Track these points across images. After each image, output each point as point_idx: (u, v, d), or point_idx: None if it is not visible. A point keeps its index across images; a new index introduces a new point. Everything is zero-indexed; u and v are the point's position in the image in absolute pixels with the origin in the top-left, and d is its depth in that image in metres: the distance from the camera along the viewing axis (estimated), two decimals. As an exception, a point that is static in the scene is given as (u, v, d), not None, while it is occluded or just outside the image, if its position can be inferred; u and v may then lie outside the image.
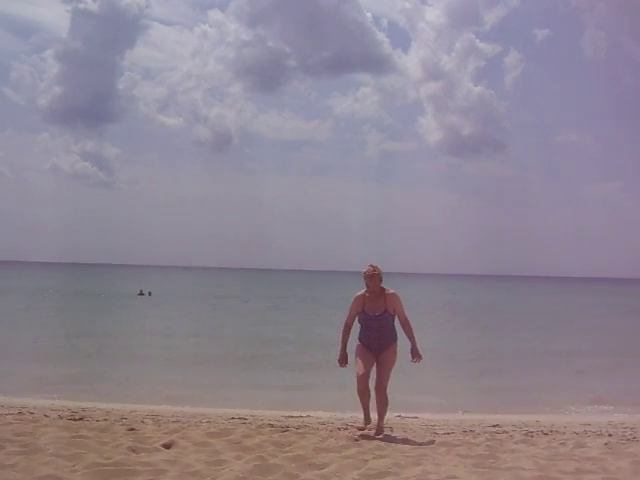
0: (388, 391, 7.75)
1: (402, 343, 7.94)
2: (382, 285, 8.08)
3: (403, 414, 9.86)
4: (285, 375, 15.68)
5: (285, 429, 7.73)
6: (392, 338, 7.98)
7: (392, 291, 8.03)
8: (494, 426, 8.56)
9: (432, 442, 7.10)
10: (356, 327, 8.07)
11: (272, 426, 7.95)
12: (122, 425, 7.58)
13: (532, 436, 7.74)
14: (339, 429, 7.88)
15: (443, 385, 14.63)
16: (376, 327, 7.91)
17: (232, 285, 77.69)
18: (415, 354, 7.94)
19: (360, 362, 7.86)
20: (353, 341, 8.07)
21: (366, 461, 5.94)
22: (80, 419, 8.03)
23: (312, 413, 9.80)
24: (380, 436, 7.45)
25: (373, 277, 7.93)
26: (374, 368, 7.89)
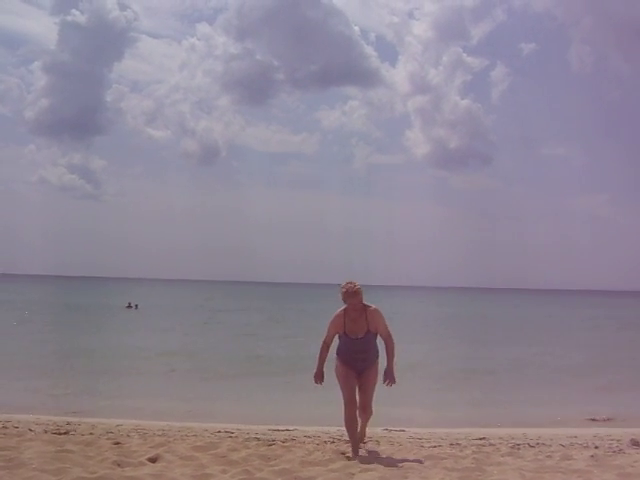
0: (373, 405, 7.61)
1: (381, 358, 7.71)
2: (363, 301, 7.61)
3: (390, 427, 9.86)
4: (272, 389, 15.63)
5: (271, 443, 7.72)
6: (374, 357, 7.62)
7: (374, 307, 7.56)
8: (481, 439, 8.57)
9: (419, 458, 7.09)
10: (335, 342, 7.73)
11: (258, 440, 7.93)
12: (107, 439, 7.55)
13: (519, 449, 7.75)
14: (325, 442, 7.87)
15: (431, 398, 14.60)
16: (359, 349, 7.50)
17: (221, 298, 77.49)
18: (389, 376, 7.51)
19: (344, 385, 7.48)
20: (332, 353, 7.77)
21: (352, 474, 5.93)
22: (65, 433, 7.99)
23: (299, 427, 9.77)
24: (364, 441, 7.67)
25: (357, 294, 7.44)
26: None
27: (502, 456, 7.20)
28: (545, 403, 14.01)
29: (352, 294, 7.45)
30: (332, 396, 8.46)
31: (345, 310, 7.54)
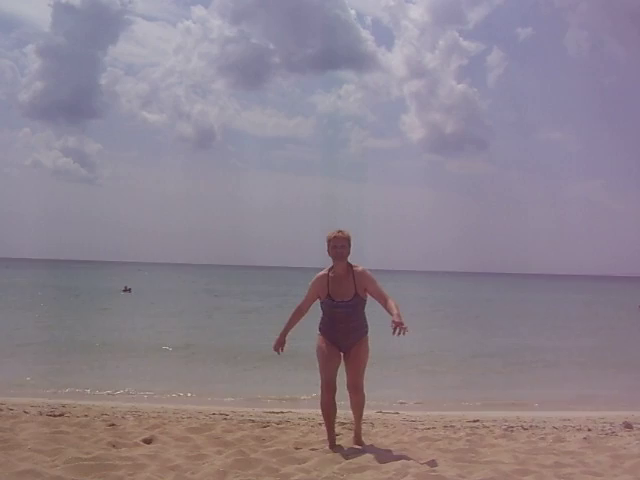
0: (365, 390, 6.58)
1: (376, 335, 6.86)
2: (349, 262, 6.55)
3: (384, 410, 9.92)
4: (267, 372, 15.65)
5: (266, 424, 7.74)
6: (363, 330, 6.62)
7: (361, 268, 6.53)
8: (474, 421, 8.61)
9: (413, 439, 7.12)
10: (314, 314, 6.71)
11: (253, 421, 7.95)
12: (102, 421, 7.56)
13: (512, 431, 7.79)
14: (320, 424, 7.86)
15: (424, 381, 14.67)
16: (344, 317, 6.45)
17: (222, 282, 77.53)
18: (397, 322, 5.95)
19: (324, 365, 6.43)
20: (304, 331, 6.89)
21: (346, 455, 5.94)
22: (60, 415, 8.00)
23: (293, 409, 9.82)
24: (359, 447, 6.45)
25: (340, 236, 6.48)
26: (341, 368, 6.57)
27: (495, 438, 7.24)
28: (539, 386, 14.11)
29: (335, 235, 6.49)
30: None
31: (330, 270, 6.57)
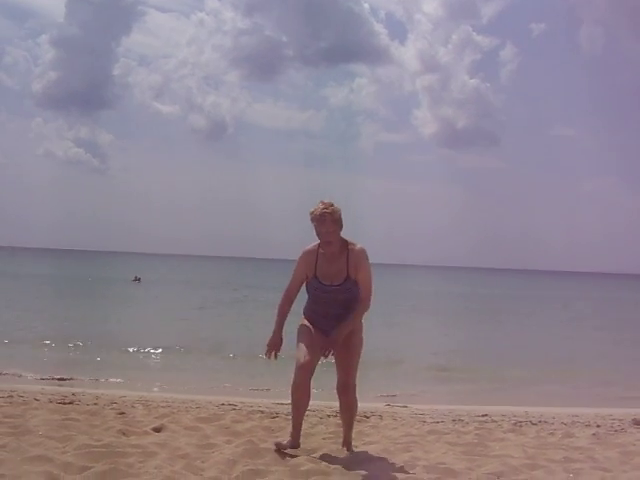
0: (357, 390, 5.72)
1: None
2: (342, 236, 5.57)
3: (392, 403, 9.94)
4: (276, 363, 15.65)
5: (275, 415, 7.75)
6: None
7: (359, 246, 5.57)
8: (483, 416, 8.62)
9: (422, 432, 7.12)
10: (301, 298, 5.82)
11: (262, 412, 7.97)
12: (112, 409, 7.58)
13: (521, 426, 7.79)
14: (329, 416, 7.89)
15: (433, 376, 14.68)
16: (333, 303, 5.55)
17: (229, 272, 77.67)
18: (332, 339, 5.43)
19: (303, 346, 5.52)
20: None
21: (355, 447, 5.96)
22: (70, 403, 8.03)
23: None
24: (349, 452, 5.76)
25: (322, 219, 5.41)
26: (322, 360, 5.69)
27: (504, 432, 7.24)
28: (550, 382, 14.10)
29: (319, 218, 5.45)
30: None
31: (319, 246, 5.60)
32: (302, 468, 5.13)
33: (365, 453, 5.75)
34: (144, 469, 4.90)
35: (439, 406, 10.01)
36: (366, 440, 6.38)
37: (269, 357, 5.67)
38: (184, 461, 5.16)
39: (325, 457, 5.54)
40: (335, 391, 5.71)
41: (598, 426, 7.93)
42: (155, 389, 11.87)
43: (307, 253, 5.65)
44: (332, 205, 5.46)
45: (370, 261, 5.64)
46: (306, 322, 5.72)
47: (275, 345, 5.66)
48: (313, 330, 5.63)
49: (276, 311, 5.74)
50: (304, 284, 5.72)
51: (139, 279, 52.00)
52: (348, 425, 5.90)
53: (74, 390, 9.79)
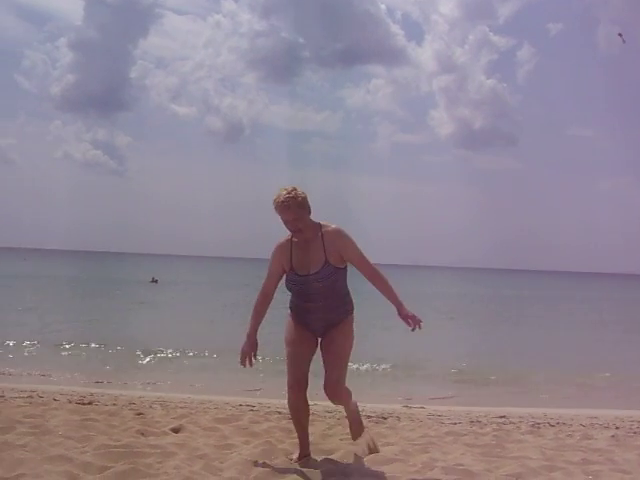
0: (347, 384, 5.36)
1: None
2: (312, 219, 5.15)
3: (409, 404, 9.93)
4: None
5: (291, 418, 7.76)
6: (344, 308, 5.28)
7: (333, 226, 5.15)
8: (501, 417, 8.59)
9: (440, 434, 7.12)
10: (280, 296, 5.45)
11: (279, 413, 7.98)
12: (130, 410, 7.63)
13: (539, 427, 7.77)
14: (346, 417, 7.89)
15: (451, 376, 14.65)
16: (315, 294, 5.10)
17: (245, 274, 77.71)
18: (406, 316, 5.02)
19: (292, 351, 5.19)
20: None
21: (374, 448, 5.97)
22: (89, 403, 8.10)
23: (319, 402, 9.82)
24: (360, 439, 5.70)
25: (286, 206, 5.00)
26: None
27: (522, 434, 7.22)
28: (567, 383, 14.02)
29: (281, 207, 5.04)
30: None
31: (292, 237, 5.20)
32: (320, 469, 5.15)
33: (383, 454, 5.74)
34: (163, 469, 4.94)
35: (457, 407, 9.99)
36: (384, 441, 6.38)
37: (244, 365, 5.21)
38: (202, 461, 5.19)
39: (343, 458, 5.55)
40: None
41: (617, 428, 7.89)
42: (173, 390, 11.90)
43: (280, 247, 5.24)
44: (295, 189, 5.06)
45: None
46: (290, 321, 5.33)
47: (249, 351, 5.20)
48: (299, 330, 5.24)
49: (251, 313, 5.31)
50: (283, 280, 5.31)
51: (156, 280, 52.22)
52: (350, 413, 5.76)
53: (93, 391, 9.85)
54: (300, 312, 5.28)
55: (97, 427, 6.32)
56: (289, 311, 5.38)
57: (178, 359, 16.18)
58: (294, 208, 5.01)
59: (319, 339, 5.31)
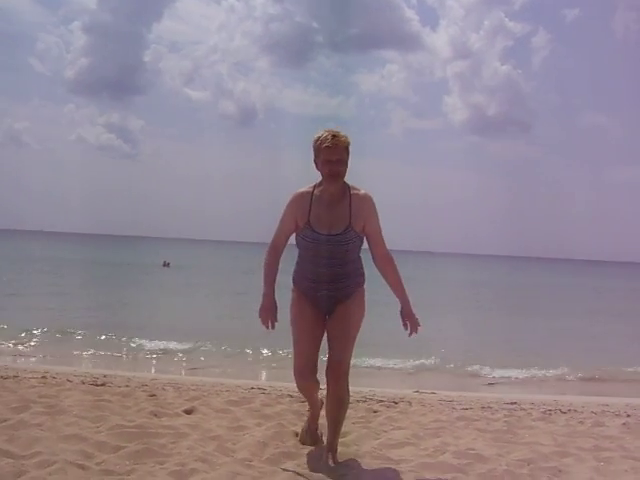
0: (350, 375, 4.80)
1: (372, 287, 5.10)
2: (347, 182, 4.70)
3: (421, 390, 9.94)
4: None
5: (304, 400, 7.79)
6: (355, 279, 4.79)
7: (363, 191, 4.71)
8: (512, 403, 8.59)
9: (451, 418, 7.14)
10: (289, 255, 4.92)
11: (291, 396, 8.02)
12: (143, 391, 7.67)
13: (550, 414, 7.77)
14: (358, 401, 7.92)
15: (463, 362, 14.65)
16: (330, 258, 4.60)
17: (258, 259, 77.71)
18: (409, 317, 4.72)
19: (299, 333, 4.78)
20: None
21: (385, 432, 6.01)
22: (102, 385, 8.14)
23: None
24: (331, 460, 4.81)
25: (336, 143, 4.55)
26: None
27: (534, 420, 7.23)
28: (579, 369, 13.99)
29: (331, 143, 4.55)
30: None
31: (316, 187, 4.72)
32: (332, 451, 5.17)
33: (395, 438, 5.77)
34: (176, 450, 4.98)
35: (467, 393, 10.02)
36: (395, 425, 6.42)
37: (267, 327, 4.70)
38: (215, 443, 5.23)
39: (356, 441, 5.60)
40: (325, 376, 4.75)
41: (628, 416, 7.88)
42: (185, 373, 11.98)
43: (299, 196, 4.70)
44: (343, 134, 4.63)
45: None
46: (296, 298, 4.84)
47: (269, 310, 4.67)
48: (307, 310, 4.76)
49: (263, 271, 4.76)
50: (295, 238, 4.79)
51: (168, 264, 52.36)
52: (335, 423, 4.85)
53: (105, 372, 9.91)
54: (307, 283, 4.75)
55: (111, 408, 6.37)
56: (293, 285, 4.87)
57: (187, 343, 16.23)
58: (342, 149, 4.59)
59: (327, 316, 4.79)
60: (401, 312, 4.79)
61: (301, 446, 5.35)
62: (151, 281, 37.54)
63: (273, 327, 4.72)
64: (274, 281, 4.77)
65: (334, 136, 4.57)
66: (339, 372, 4.66)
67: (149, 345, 14.90)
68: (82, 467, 4.42)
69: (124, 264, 53.75)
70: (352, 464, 4.92)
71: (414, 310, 4.80)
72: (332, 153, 4.55)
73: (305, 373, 4.76)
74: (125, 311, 22.60)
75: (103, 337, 15.80)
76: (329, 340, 4.75)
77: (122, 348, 14.53)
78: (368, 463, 4.97)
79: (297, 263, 4.84)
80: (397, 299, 4.82)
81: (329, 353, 4.72)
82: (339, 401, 4.79)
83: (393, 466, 4.91)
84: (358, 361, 11.63)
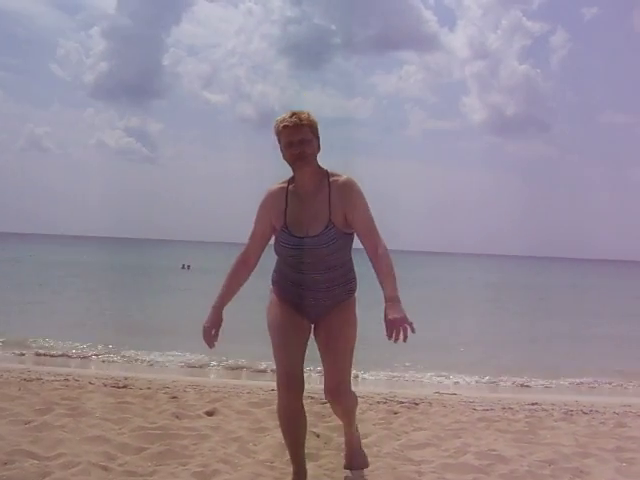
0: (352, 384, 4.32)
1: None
2: (323, 167, 3.99)
3: (441, 390, 9.94)
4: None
5: (325, 402, 7.79)
6: (346, 287, 4.05)
7: (345, 177, 3.94)
8: (533, 404, 8.57)
9: (472, 419, 7.13)
10: (265, 264, 4.29)
11: (312, 398, 8.00)
12: (164, 393, 7.73)
13: (572, 415, 7.74)
14: (378, 402, 7.93)
15: (483, 363, 14.60)
16: (311, 263, 3.87)
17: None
18: (396, 319, 3.52)
19: (279, 341, 3.98)
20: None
21: (406, 433, 6.02)
22: (124, 387, 8.20)
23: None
24: (352, 469, 4.65)
25: (296, 121, 3.84)
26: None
27: (555, 421, 7.21)
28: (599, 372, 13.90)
29: (291, 123, 3.85)
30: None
31: (289, 182, 4.01)
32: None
33: (416, 439, 5.78)
34: (198, 451, 5.02)
35: (488, 394, 10.00)
36: (416, 426, 6.42)
37: (209, 345, 4.03)
38: (237, 444, 5.26)
39: (376, 442, 5.60)
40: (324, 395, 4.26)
41: (651, 416, 7.84)
42: (206, 375, 12.01)
43: (272, 195, 4.01)
44: (308, 114, 3.95)
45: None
46: (275, 302, 4.12)
47: (209, 328, 3.99)
48: (286, 314, 4.03)
49: (223, 282, 4.11)
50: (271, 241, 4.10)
51: (188, 266, 52.43)
52: (349, 426, 4.67)
53: (127, 374, 9.97)
54: (288, 287, 4.05)
55: (133, 410, 6.43)
56: (271, 286, 4.19)
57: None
58: (305, 128, 3.88)
59: (312, 325, 4.11)
60: (385, 312, 3.63)
61: (322, 447, 5.36)
62: (170, 284, 37.61)
63: (212, 346, 4.04)
64: (230, 295, 4.11)
65: (294, 114, 3.88)
66: (339, 395, 4.12)
67: (172, 349, 14.95)
68: (105, 468, 4.47)
69: (142, 267, 53.86)
70: (373, 465, 4.92)
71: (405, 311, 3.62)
72: (292, 133, 3.84)
73: (292, 386, 3.88)
74: (143, 314, 22.66)
75: (126, 341, 15.85)
76: (323, 361, 4.06)
77: (145, 352, 14.57)
78: (389, 464, 4.98)
79: (277, 263, 4.14)
80: (384, 296, 3.71)
81: (325, 375, 4.07)
82: (348, 413, 4.48)
83: (414, 467, 4.92)
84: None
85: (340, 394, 4.12)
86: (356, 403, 4.50)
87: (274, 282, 4.17)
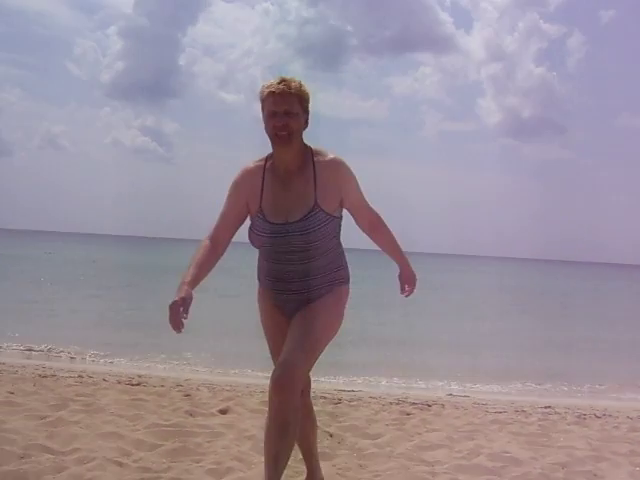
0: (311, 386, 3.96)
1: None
2: (307, 144, 3.57)
3: (454, 393, 9.94)
4: (338, 352, 15.66)
5: (338, 402, 7.83)
6: (334, 275, 3.59)
7: (332, 155, 3.54)
8: (546, 407, 8.57)
9: (485, 422, 7.13)
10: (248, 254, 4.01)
11: (325, 398, 8.06)
12: (178, 391, 7.78)
13: (585, 418, 7.73)
14: (391, 404, 7.95)
15: (494, 367, 14.56)
16: (293, 252, 3.44)
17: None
18: (410, 280, 3.74)
19: (273, 342, 3.69)
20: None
21: (419, 434, 6.03)
22: (137, 384, 8.25)
23: (364, 388, 9.91)
24: None
25: (284, 88, 3.35)
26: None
27: (568, 425, 7.20)
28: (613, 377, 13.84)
29: (277, 89, 3.37)
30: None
31: (268, 160, 3.55)
32: (366, 452, 5.22)
33: (429, 440, 5.78)
34: (212, 449, 5.04)
35: (501, 397, 9.99)
36: (429, 427, 6.43)
37: (175, 327, 3.24)
38: (251, 442, 5.27)
39: (389, 442, 5.61)
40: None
41: (665, 421, 7.81)
42: (219, 373, 12.03)
43: (247, 172, 3.55)
44: (298, 82, 3.46)
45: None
46: (262, 300, 3.75)
47: (176, 307, 3.23)
48: (275, 315, 3.67)
49: (190, 262, 3.48)
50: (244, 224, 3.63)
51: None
52: (309, 448, 4.02)
53: (141, 372, 10.03)
54: (268, 284, 3.64)
55: (147, 407, 6.47)
56: (258, 284, 3.77)
57: (221, 342, 16.28)
58: (294, 97, 3.39)
59: None
60: (400, 276, 3.78)
61: (336, 446, 5.37)
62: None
63: (180, 329, 3.27)
64: (196, 274, 3.41)
65: (284, 80, 3.40)
66: (286, 378, 3.31)
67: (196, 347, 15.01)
68: (120, 464, 4.50)
69: (160, 266, 53.91)
70: (386, 465, 4.94)
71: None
72: (278, 102, 3.36)
73: (287, 387, 3.33)
74: (160, 313, 22.64)
75: (142, 340, 15.92)
76: (289, 338, 3.45)
77: (164, 350, 14.62)
78: (403, 464, 4.99)
79: (258, 259, 3.71)
80: (396, 262, 3.81)
81: (283, 353, 3.39)
82: (281, 427, 3.40)
83: (428, 467, 4.93)
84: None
85: (286, 381, 3.29)
86: (297, 429, 3.48)
87: (259, 278, 3.75)
